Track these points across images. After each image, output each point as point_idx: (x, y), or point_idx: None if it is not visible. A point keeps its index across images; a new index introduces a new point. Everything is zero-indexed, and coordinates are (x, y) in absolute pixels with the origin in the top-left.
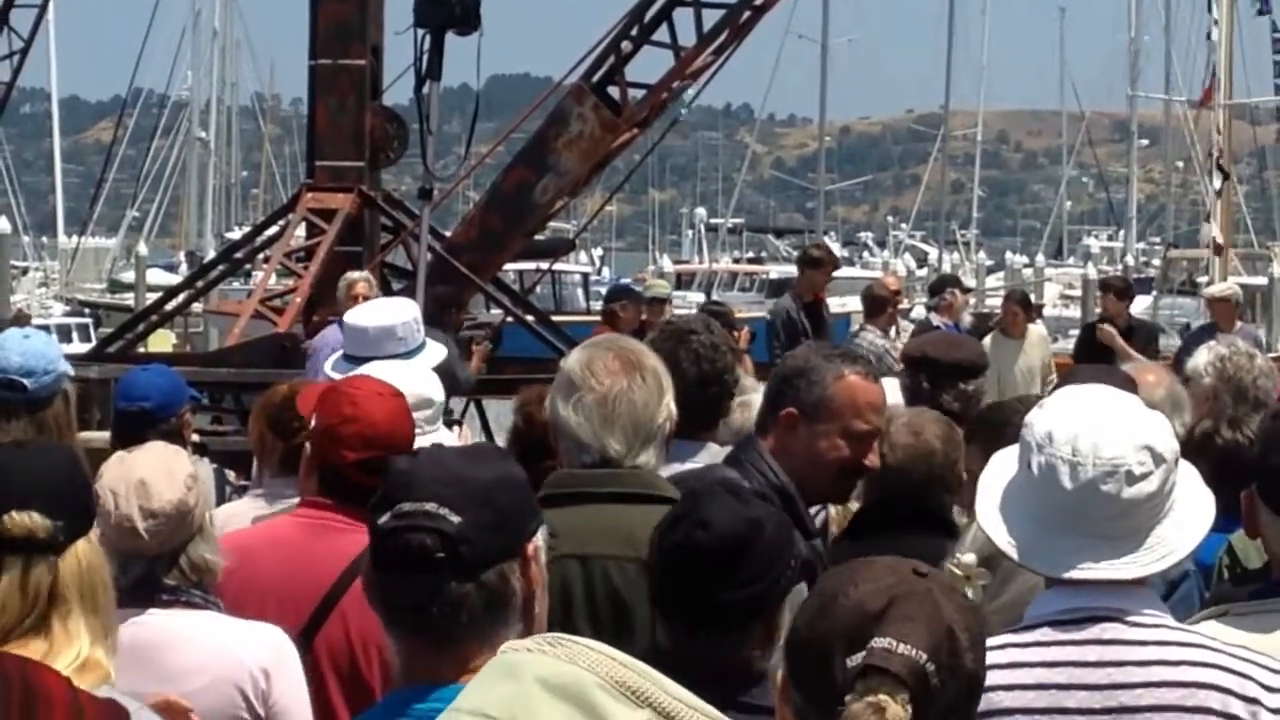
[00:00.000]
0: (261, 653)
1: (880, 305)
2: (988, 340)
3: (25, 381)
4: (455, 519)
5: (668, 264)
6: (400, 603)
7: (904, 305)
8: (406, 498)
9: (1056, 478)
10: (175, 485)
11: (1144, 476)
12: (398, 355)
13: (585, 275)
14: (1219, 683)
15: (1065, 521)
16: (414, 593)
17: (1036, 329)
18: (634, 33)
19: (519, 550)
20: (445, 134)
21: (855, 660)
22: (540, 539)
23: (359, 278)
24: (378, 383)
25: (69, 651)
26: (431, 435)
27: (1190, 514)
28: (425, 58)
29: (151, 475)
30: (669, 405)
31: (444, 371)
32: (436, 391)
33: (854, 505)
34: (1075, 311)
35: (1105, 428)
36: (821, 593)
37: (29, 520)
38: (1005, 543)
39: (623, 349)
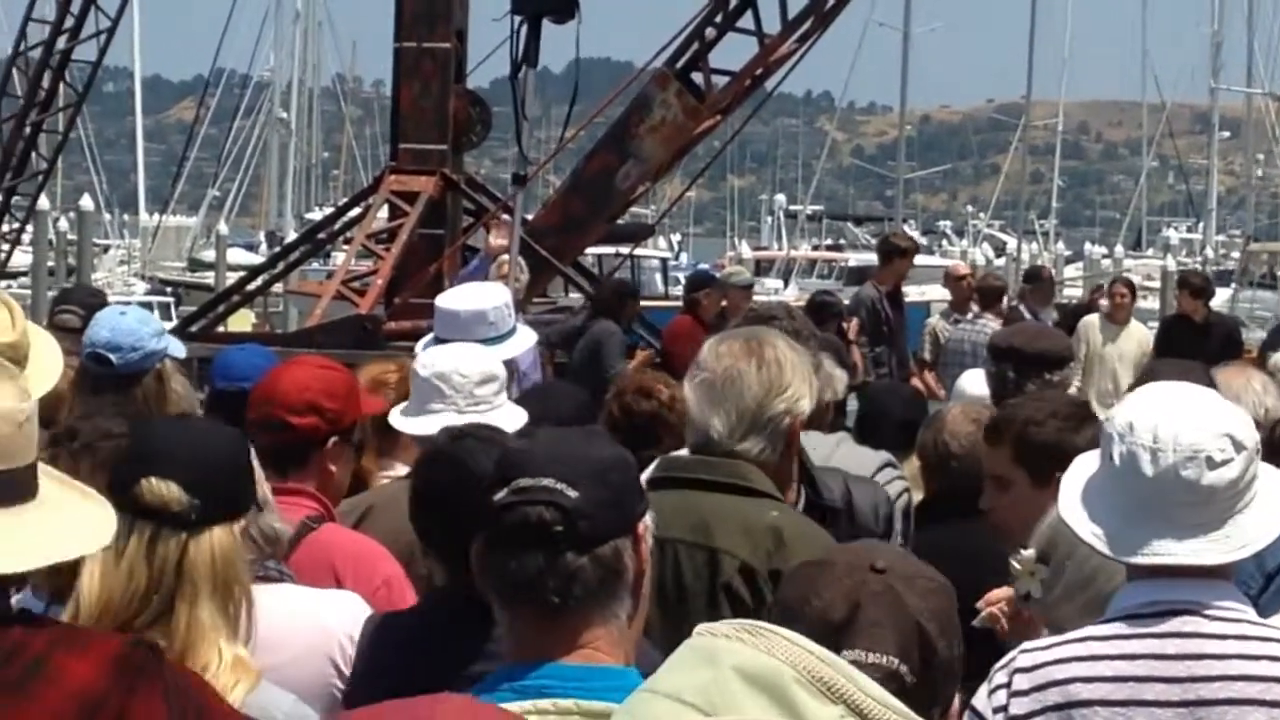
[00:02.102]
0: (347, 620)
1: (998, 295)
2: (1093, 319)
3: (111, 357)
4: (573, 493)
5: (747, 250)
6: (516, 576)
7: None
8: (524, 473)
9: (1138, 465)
10: None
11: (1224, 463)
12: (488, 340)
13: (664, 261)
14: None
15: (1147, 509)
16: (530, 566)
17: (1139, 325)
18: (718, 19)
19: (631, 528)
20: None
21: None
22: (649, 520)
23: (508, 259)
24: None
25: (201, 646)
26: (499, 409)
27: (1271, 508)
28: (521, 44)
29: None
30: (792, 399)
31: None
32: (498, 367)
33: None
34: (1154, 303)
35: (1185, 416)
36: (784, 600)
37: (165, 490)
38: (1089, 534)
39: (754, 335)
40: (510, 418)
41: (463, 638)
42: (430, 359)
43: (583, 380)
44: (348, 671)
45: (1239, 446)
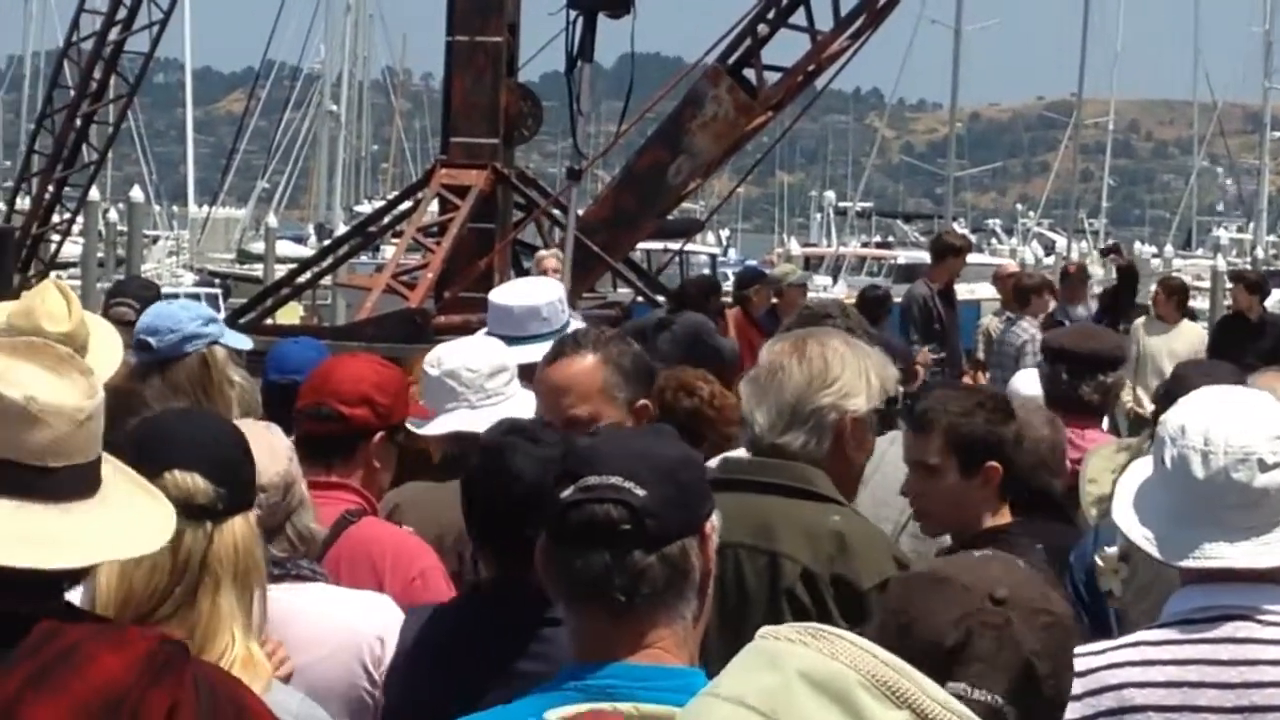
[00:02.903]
0: (376, 621)
1: (1035, 292)
2: (1142, 320)
3: (151, 340)
4: (640, 492)
5: (795, 247)
6: (582, 575)
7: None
8: (591, 471)
9: (1189, 468)
10: (278, 459)
11: (1276, 466)
12: (542, 335)
13: (712, 256)
14: None
15: (1199, 512)
16: (597, 564)
17: (1193, 325)
18: (771, 15)
19: (699, 527)
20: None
21: None
22: (716, 520)
23: (548, 254)
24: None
25: (220, 637)
26: (511, 400)
27: None
28: (576, 39)
29: (255, 453)
30: (839, 394)
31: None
32: (506, 357)
33: None
34: (1203, 303)
35: (1236, 419)
36: (897, 611)
37: (191, 482)
38: (1141, 537)
39: (808, 333)
40: (522, 406)
41: (506, 634)
42: (438, 357)
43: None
44: (376, 673)
45: None
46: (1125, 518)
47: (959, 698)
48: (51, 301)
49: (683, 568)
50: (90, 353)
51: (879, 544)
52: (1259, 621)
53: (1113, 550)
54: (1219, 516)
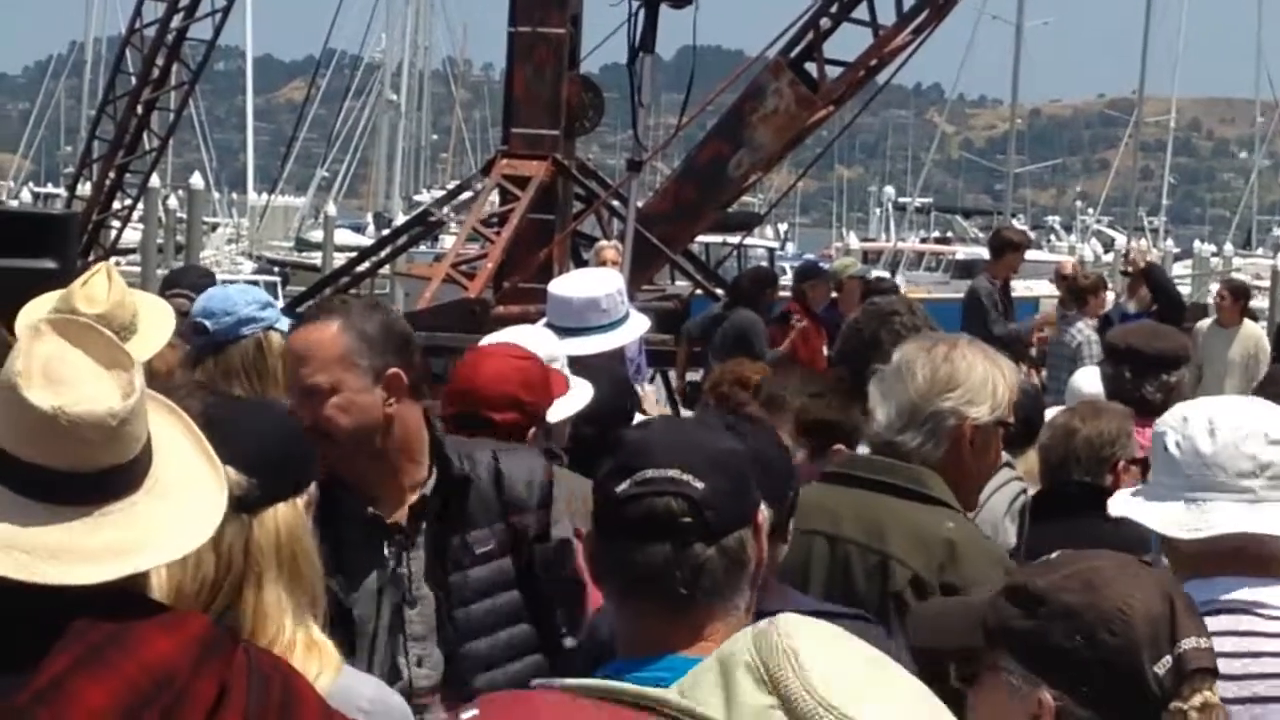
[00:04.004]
0: None
1: (1090, 292)
2: (1203, 323)
3: (206, 323)
4: (699, 484)
5: (854, 241)
6: (643, 568)
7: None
8: (648, 465)
9: (1196, 446)
10: None
11: None
12: (601, 326)
13: (770, 250)
14: None
15: (1211, 487)
16: (657, 557)
17: (1253, 326)
18: (833, 9)
19: (752, 518)
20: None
21: (1163, 665)
22: (766, 511)
23: (607, 245)
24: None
25: (266, 629)
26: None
27: None
28: (638, 30)
29: None
30: (961, 399)
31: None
32: (555, 348)
33: None
34: (1263, 302)
35: (1238, 407)
36: (1093, 608)
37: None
38: (1156, 521)
39: (943, 338)
40: (574, 400)
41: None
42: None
43: None
44: None
45: None
46: (1134, 507)
47: (1199, 651)
48: (93, 283)
49: (740, 559)
50: (139, 333)
51: (990, 553)
52: (1261, 615)
53: None
54: (1232, 486)
